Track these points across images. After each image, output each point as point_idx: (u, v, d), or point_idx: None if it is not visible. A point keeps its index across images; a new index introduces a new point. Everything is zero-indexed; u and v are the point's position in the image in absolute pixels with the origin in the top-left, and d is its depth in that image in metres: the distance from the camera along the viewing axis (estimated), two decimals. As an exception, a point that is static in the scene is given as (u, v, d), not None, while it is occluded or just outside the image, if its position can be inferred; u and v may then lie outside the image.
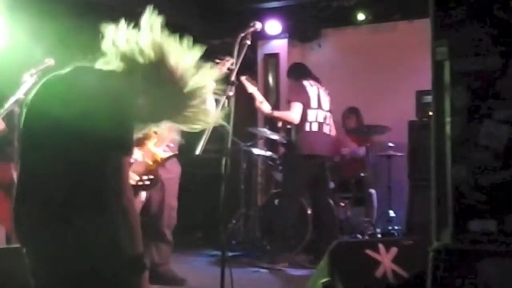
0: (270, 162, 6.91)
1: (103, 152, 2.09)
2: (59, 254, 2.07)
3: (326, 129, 6.09)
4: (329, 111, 6.18)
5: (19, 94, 4.18)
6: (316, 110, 6.00)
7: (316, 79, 6.21)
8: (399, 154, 6.75)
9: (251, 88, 5.81)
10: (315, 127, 5.98)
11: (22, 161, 2.19)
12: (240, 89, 5.84)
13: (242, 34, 3.42)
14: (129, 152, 2.18)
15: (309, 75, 6.22)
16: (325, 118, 6.07)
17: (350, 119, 7.37)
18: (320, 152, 5.97)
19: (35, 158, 2.13)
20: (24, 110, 2.21)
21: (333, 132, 6.34)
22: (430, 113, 2.79)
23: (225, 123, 3.79)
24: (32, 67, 4.28)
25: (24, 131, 2.19)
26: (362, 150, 6.92)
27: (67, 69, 2.22)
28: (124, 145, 2.15)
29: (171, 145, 3.80)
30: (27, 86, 4.19)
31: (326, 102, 6.14)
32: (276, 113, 6.14)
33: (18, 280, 3.29)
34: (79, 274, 2.06)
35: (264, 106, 5.99)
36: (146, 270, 2.18)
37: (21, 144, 2.22)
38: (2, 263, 3.49)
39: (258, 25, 3.51)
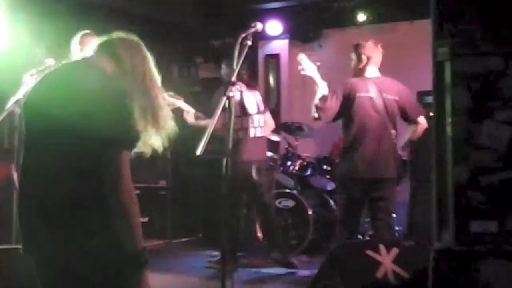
0: (271, 163, 6.90)
1: (102, 150, 2.09)
2: (60, 252, 2.08)
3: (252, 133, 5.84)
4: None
5: (20, 95, 4.17)
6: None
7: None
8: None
9: (178, 103, 4.85)
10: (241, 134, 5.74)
11: (22, 162, 2.19)
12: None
13: (243, 35, 3.41)
14: (130, 148, 2.19)
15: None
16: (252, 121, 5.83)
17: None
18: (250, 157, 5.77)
19: (34, 158, 2.14)
20: (24, 110, 2.21)
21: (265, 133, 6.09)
22: (431, 114, 2.78)
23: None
24: (32, 68, 4.28)
25: (25, 132, 2.19)
26: None
27: (63, 65, 2.22)
28: (125, 142, 2.15)
29: None
30: (27, 86, 4.19)
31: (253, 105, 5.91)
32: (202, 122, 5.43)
33: (23, 280, 3.30)
34: (80, 271, 2.07)
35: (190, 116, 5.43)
36: (146, 265, 2.18)
37: (23, 144, 2.23)
38: (6, 263, 3.49)
39: (259, 26, 3.50)
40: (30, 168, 2.16)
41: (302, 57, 4.82)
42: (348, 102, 4.76)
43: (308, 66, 4.80)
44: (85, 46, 3.85)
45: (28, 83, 4.19)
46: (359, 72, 4.98)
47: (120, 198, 2.11)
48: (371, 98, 4.79)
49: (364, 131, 4.74)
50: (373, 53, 5.00)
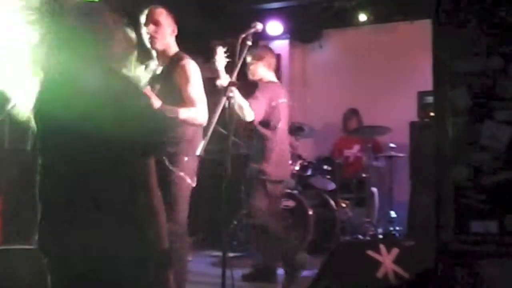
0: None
1: (131, 150, 2.10)
2: (84, 254, 2.08)
3: None
4: None
5: (20, 95, 4.17)
6: None
7: None
8: (400, 155, 6.74)
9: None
10: None
11: (43, 162, 2.18)
12: (241, 90, 5.81)
13: (243, 35, 3.42)
14: (153, 154, 2.19)
15: None
16: None
17: (352, 120, 7.36)
18: None
19: (59, 160, 2.12)
20: (37, 114, 2.19)
21: None
22: (432, 114, 2.78)
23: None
24: (33, 68, 4.27)
25: (44, 133, 2.17)
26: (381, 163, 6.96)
27: (70, 69, 2.22)
28: (147, 148, 2.15)
29: None
30: (31, 88, 4.19)
31: None
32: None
33: (23, 280, 3.30)
34: (105, 274, 2.07)
35: None
36: (171, 266, 2.20)
37: (40, 147, 2.20)
38: (6, 263, 3.49)
39: (259, 26, 3.50)
40: (54, 168, 2.14)
41: (219, 50, 4.57)
42: (271, 108, 4.74)
43: (220, 59, 4.56)
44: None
45: (32, 84, 4.19)
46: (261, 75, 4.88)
47: (149, 197, 2.12)
48: (287, 104, 4.87)
49: (284, 136, 4.85)
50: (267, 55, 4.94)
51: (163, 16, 3.85)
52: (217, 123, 3.40)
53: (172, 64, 3.80)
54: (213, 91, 3.95)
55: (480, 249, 2.50)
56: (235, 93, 4.07)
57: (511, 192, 2.50)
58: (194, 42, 4.03)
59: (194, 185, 3.89)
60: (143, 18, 3.81)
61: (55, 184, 2.13)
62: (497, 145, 2.54)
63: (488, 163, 2.54)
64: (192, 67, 3.79)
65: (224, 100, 3.33)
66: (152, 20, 3.79)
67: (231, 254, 5.78)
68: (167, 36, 3.83)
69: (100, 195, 2.07)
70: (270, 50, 5.04)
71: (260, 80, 4.85)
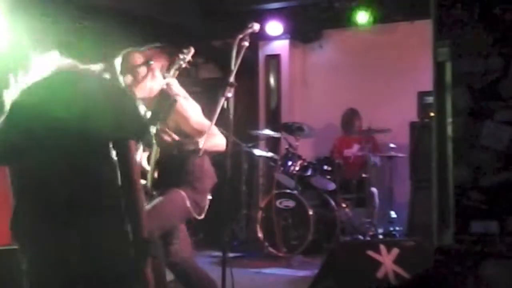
0: (272, 163, 6.91)
1: (106, 148, 2.12)
2: (66, 252, 2.09)
3: None
4: None
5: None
6: None
7: None
8: (400, 155, 6.74)
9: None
10: None
11: (20, 163, 2.19)
12: (241, 90, 5.82)
13: (240, 36, 3.40)
14: (144, 141, 2.22)
15: None
16: None
17: (352, 120, 7.35)
18: None
19: (36, 159, 2.14)
20: (15, 111, 2.21)
21: None
22: (432, 114, 2.78)
23: None
24: (32, 70, 4.26)
25: (21, 133, 2.18)
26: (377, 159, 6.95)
27: (60, 71, 2.25)
28: (134, 137, 2.18)
29: None
30: (17, 87, 4.16)
31: None
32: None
33: (22, 280, 3.29)
34: (87, 269, 2.09)
35: None
36: (150, 255, 2.21)
37: (17, 145, 2.20)
38: (6, 263, 3.49)
39: (256, 26, 3.48)
40: (30, 170, 2.16)
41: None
42: None
43: None
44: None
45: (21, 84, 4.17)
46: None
47: (129, 188, 2.14)
48: None
49: None
50: None
51: (140, 63, 3.51)
52: (216, 124, 3.40)
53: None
54: (212, 91, 3.93)
55: (480, 249, 2.49)
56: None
57: (511, 192, 2.50)
58: (194, 42, 3.99)
59: (192, 212, 3.75)
60: (117, 64, 3.47)
61: (31, 182, 2.15)
62: (497, 145, 2.54)
63: (488, 163, 2.54)
64: (180, 103, 3.54)
65: (222, 101, 3.33)
66: (127, 69, 3.48)
67: (231, 254, 5.79)
68: (146, 83, 3.53)
69: (76, 188, 2.10)
70: None
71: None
